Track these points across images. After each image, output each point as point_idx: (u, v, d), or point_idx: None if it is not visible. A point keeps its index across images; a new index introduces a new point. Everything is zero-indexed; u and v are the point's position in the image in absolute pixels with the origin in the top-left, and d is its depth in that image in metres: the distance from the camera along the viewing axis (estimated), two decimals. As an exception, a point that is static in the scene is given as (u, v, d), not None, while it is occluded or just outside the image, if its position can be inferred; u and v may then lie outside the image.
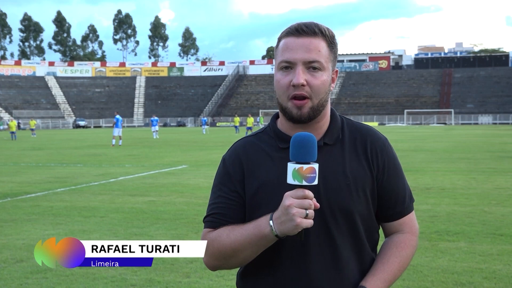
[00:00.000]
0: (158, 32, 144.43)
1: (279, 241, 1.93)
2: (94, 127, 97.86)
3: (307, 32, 1.99)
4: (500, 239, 8.07)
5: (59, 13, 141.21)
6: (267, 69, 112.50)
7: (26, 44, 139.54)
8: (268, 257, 2.02)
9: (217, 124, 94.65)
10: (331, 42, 2.03)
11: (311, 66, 1.97)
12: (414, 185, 13.09)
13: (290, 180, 1.79)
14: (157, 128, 47.38)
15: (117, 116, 36.33)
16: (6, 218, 10.33)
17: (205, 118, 64.99)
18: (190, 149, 30.37)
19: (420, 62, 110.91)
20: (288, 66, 1.99)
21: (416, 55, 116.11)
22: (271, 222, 1.85)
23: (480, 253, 7.34)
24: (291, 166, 1.79)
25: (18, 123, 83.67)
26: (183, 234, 8.72)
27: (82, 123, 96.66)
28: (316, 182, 1.79)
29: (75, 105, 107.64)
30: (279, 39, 2.06)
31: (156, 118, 49.17)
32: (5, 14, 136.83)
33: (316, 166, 1.79)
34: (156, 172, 18.31)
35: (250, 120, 56.34)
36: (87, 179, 16.33)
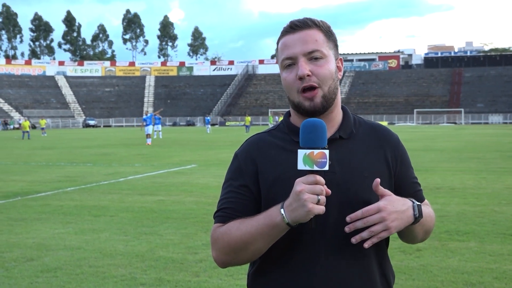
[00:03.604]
0: (167, 31, 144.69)
1: (294, 235, 1.92)
2: (104, 126, 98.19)
3: (301, 26, 2.01)
4: (510, 239, 8.03)
5: (69, 12, 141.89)
6: (276, 68, 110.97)
7: (37, 43, 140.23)
8: (281, 255, 2.00)
9: (227, 124, 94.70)
10: (327, 32, 2.04)
11: (313, 57, 1.98)
12: (424, 184, 12.92)
13: (300, 165, 1.77)
14: (160, 127, 44.46)
15: (147, 116, 36.63)
16: (17, 217, 10.37)
17: (209, 118, 64.92)
18: (199, 149, 30.39)
19: (430, 61, 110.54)
20: (291, 63, 2.01)
21: (426, 54, 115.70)
22: (282, 210, 1.82)
23: (491, 253, 7.31)
24: (302, 152, 1.78)
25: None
26: (193, 233, 8.73)
27: (92, 122, 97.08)
28: (327, 168, 1.77)
29: (85, 105, 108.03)
30: (278, 42, 2.09)
31: (158, 116, 45.69)
32: (15, 14, 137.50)
33: (327, 152, 1.78)
34: (166, 171, 18.34)
35: (248, 119, 57.29)
36: (97, 178, 16.38)
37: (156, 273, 6.65)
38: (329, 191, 1.80)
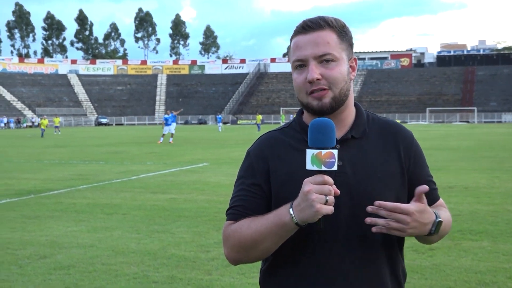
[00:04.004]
0: (179, 30, 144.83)
1: (304, 235, 1.92)
2: (116, 124, 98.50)
3: (313, 27, 1.98)
4: (524, 239, 7.99)
5: (81, 11, 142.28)
6: (288, 67, 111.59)
7: (49, 42, 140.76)
8: (291, 254, 2.00)
9: (238, 122, 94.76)
10: (340, 32, 2.01)
11: (324, 59, 1.96)
12: (437, 183, 12.85)
13: (309, 166, 1.77)
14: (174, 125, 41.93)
15: (169, 115, 36.56)
16: (30, 215, 10.43)
17: (220, 116, 64.57)
18: (211, 147, 30.44)
19: (442, 60, 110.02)
20: (301, 65, 2.00)
21: (438, 52, 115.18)
22: (291, 210, 1.82)
23: (504, 252, 7.27)
24: (310, 152, 1.77)
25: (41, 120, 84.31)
26: (204, 231, 8.75)
27: (104, 120, 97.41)
28: (335, 168, 1.76)
29: (97, 103, 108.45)
30: (290, 40, 2.08)
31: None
32: (28, 13, 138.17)
33: (335, 151, 1.76)
34: (177, 169, 18.38)
35: (259, 118, 58.69)
36: (109, 177, 16.45)
37: (168, 271, 6.67)
38: (338, 191, 1.79)
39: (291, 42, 2.07)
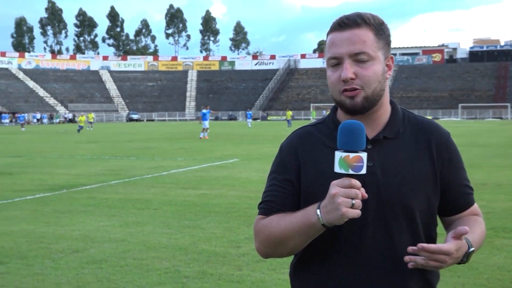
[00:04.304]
0: (209, 26, 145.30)
1: (332, 235, 1.92)
2: (147, 120, 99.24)
3: (350, 25, 1.94)
4: (559, 237, 7.86)
5: (112, 8, 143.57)
6: (318, 62, 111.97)
7: (81, 38, 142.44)
8: (320, 252, 2.00)
9: (268, 118, 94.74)
10: (378, 30, 1.97)
11: (359, 59, 1.93)
12: (469, 180, 12.71)
13: (337, 168, 1.74)
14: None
15: (207, 110, 37.11)
16: (63, 209, 10.57)
17: (250, 112, 64.61)
18: (241, 143, 30.49)
19: (475, 55, 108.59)
20: (336, 63, 1.97)
21: (471, 48, 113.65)
22: (318, 211, 1.81)
23: (538, 250, 7.17)
24: (338, 154, 1.74)
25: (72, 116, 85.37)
26: (235, 227, 8.77)
27: (135, 116, 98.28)
28: (363, 172, 1.73)
29: (128, 99, 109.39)
30: (326, 36, 2.04)
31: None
32: (60, 10, 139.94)
33: (364, 155, 1.73)
34: (208, 165, 18.45)
35: (289, 114, 58.81)
36: (140, 172, 16.58)
37: (199, 266, 6.70)
38: (366, 195, 1.76)
39: (327, 38, 2.03)
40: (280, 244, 1.97)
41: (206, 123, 36.40)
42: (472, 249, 1.90)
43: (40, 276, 6.40)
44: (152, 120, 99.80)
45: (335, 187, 1.75)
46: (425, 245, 1.80)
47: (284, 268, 6.38)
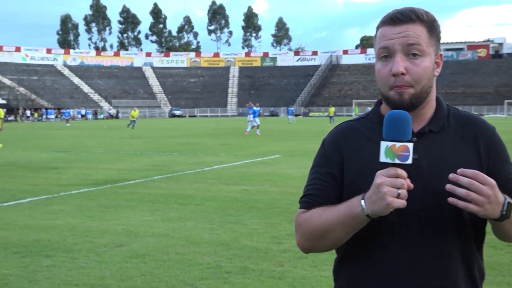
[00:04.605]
0: (251, 22, 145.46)
1: (377, 229, 1.90)
2: (189, 116, 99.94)
3: (403, 20, 1.90)
4: None
5: (155, 5, 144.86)
6: (360, 58, 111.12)
7: (125, 35, 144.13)
8: (365, 247, 1.98)
9: (310, 114, 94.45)
10: (431, 26, 1.94)
11: (411, 53, 1.89)
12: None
13: (382, 158, 1.73)
14: (251, 117, 37.56)
15: (257, 108, 38.15)
16: (107, 204, 10.72)
17: (292, 108, 64.61)
18: (283, 139, 30.46)
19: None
20: (387, 55, 1.92)
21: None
22: (362, 201, 1.79)
23: None
24: (384, 144, 1.74)
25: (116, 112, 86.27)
26: (277, 223, 8.77)
27: (177, 112, 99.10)
28: (410, 161, 1.72)
29: (171, 95, 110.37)
30: (377, 29, 2.00)
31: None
32: (105, 7, 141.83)
33: (410, 145, 1.72)
34: (249, 161, 18.49)
35: (332, 110, 59.53)
36: (182, 167, 16.70)
37: (240, 262, 6.72)
38: (411, 185, 1.74)
39: (377, 32, 1.99)
40: (321, 237, 1.95)
41: (257, 120, 37.03)
42: (508, 200, 1.84)
43: (84, 270, 6.50)
44: (194, 116, 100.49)
45: (380, 177, 1.73)
46: (464, 169, 1.77)
47: (326, 265, 6.35)
